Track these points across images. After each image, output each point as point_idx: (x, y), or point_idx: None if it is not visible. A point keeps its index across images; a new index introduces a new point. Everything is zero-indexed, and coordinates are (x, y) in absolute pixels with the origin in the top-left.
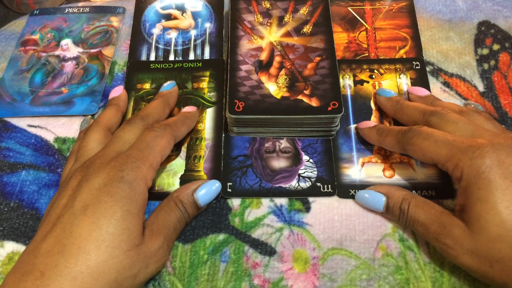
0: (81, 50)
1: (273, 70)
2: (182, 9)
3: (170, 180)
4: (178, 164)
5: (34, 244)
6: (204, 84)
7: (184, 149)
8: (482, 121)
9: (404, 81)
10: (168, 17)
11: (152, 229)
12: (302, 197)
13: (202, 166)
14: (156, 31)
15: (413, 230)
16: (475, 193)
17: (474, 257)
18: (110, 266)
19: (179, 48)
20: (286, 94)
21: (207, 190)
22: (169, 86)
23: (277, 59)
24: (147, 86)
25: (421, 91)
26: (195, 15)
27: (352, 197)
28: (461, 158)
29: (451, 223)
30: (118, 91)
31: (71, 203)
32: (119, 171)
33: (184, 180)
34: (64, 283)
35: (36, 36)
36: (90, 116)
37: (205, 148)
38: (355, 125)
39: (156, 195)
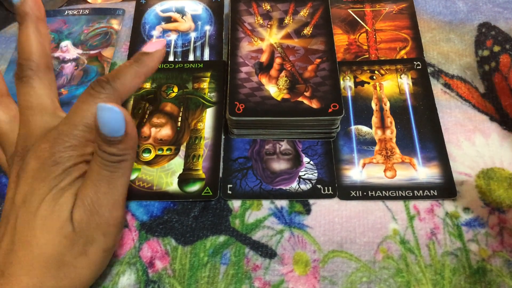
0: (80, 51)
1: (273, 72)
2: (182, 12)
3: (169, 179)
4: (177, 163)
5: None
6: (205, 85)
7: (183, 148)
8: None
9: (405, 81)
10: (168, 19)
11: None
12: (302, 199)
13: (201, 165)
14: (155, 33)
15: None
16: None
17: None
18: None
19: (179, 49)
20: (287, 96)
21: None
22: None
23: (278, 61)
24: (147, 85)
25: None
26: (195, 18)
27: (353, 198)
28: None
29: None
30: None
31: (13, 197)
32: (51, 154)
33: (182, 179)
34: (22, 277)
35: None
36: None
37: (204, 147)
38: (356, 126)
39: (154, 195)
